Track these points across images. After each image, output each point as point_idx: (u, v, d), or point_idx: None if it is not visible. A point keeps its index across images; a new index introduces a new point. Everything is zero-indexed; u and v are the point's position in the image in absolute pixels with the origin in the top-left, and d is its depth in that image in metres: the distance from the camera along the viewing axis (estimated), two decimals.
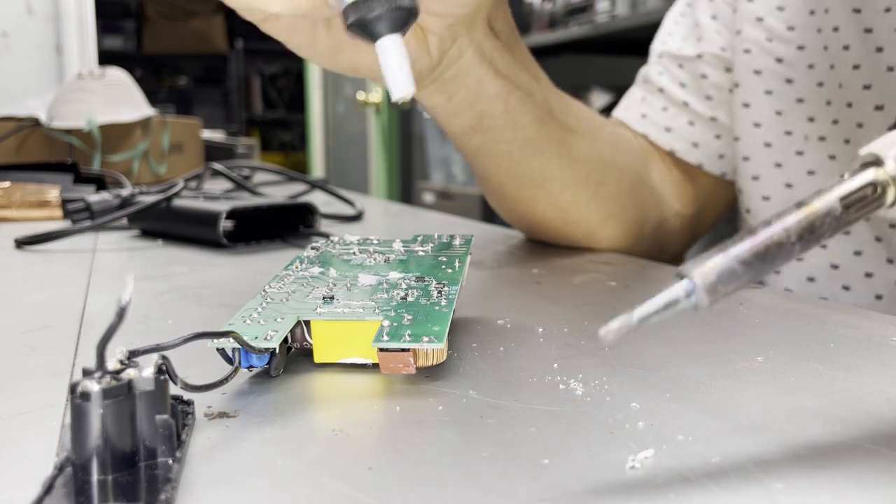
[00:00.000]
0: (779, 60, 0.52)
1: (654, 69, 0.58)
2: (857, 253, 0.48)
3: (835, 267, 0.49)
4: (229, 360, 0.24)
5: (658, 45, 0.59)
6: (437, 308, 0.27)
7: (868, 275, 0.48)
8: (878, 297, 0.48)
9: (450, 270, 0.31)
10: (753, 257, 0.17)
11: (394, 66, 0.26)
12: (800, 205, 0.18)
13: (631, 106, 0.58)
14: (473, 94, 0.42)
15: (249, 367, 0.24)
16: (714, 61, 0.55)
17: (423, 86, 0.40)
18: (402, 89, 0.26)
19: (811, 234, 0.17)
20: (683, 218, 0.56)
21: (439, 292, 0.28)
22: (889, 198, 0.18)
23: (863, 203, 0.18)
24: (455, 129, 0.45)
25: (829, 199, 0.18)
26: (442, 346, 0.24)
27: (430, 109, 0.43)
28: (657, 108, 0.56)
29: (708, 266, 0.17)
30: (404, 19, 0.27)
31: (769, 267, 0.17)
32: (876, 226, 0.47)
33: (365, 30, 0.27)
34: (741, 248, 0.17)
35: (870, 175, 0.18)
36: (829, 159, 0.49)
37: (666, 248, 0.56)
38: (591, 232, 0.49)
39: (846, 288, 0.49)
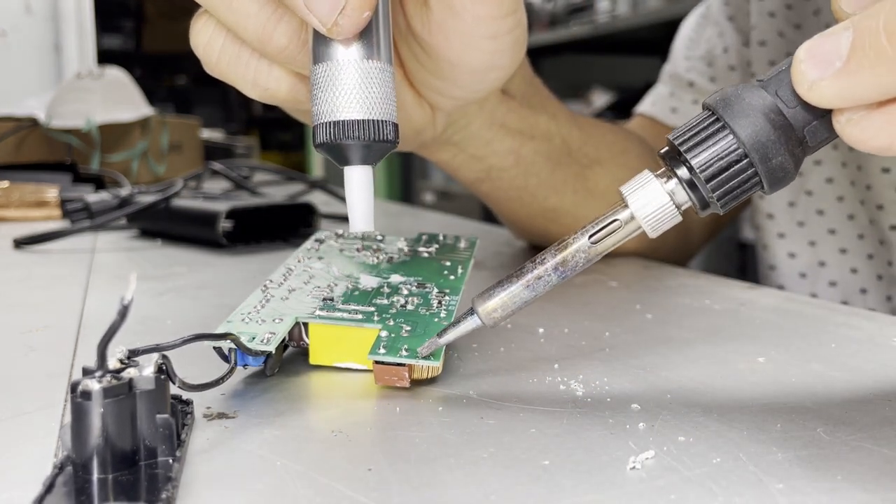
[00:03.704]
0: (789, 55, 0.52)
1: (680, 65, 0.58)
2: (870, 257, 0.49)
3: (854, 271, 0.50)
4: (226, 359, 0.24)
5: (682, 50, 0.59)
6: (436, 320, 0.26)
7: (879, 277, 0.49)
8: (889, 299, 0.48)
9: (452, 277, 0.30)
10: (521, 289, 0.23)
11: (358, 200, 0.24)
12: (559, 245, 0.23)
13: (658, 101, 0.58)
14: (482, 152, 0.40)
15: (245, 366, 0.24)
16: (736, 56, 0.55)
17: (426, 147, 0.39)
18: (361, 226, 0.24)
19: (565, 266, 0.23)
20: (705, 223, 0.56)
21: (439, 302, 0.28)
22: (626, 230, 0.23)
23: (609, 236, 0.23)
24: (462, 179, 0.43)
25: (581, 241, 0.23)
26: (438, 364, 0.24)
27: (434, 163, 0.42)
28: (687, 101, 0.56)
29: (489, 304, 0.23)
30: (380, 154, 0.25)
31: (534, 293, 0.23)
32: (878, 230, 0.48)
33: (333, 153, 0.24)
34: (513, 285, 0.23)
35: (614, 216, 0.23)
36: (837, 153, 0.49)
37: (688, 248, 0.56)
38: None
39: (864, 291, 0.50)
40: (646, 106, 0.58)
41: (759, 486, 0.18)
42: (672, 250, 0.53)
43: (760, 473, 0.19)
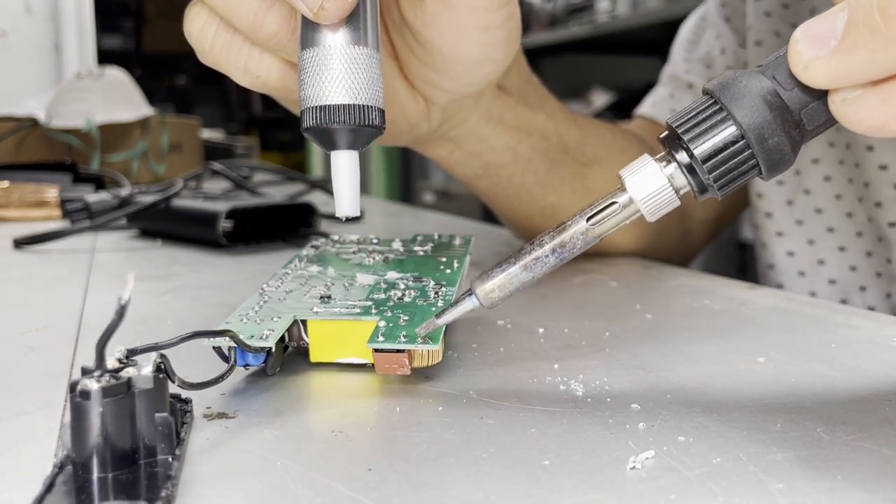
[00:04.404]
0: None
1: (680, 67, 0.58)
2: (869, 254, 0.49)
3: (853, 269, 0.50)
4: (225, 359, 0.24)
5: (681, 52, 0.59)
6: (433, 309, 0.26)
7: (878, 274, 0.49)
8: (888, 296, 0.48)
9: (448, 271, 0.31)
10: (519, 270, 0.23)
11: (344, 185, 0.25)
12: (558, 228, 0.23)
13: (658, 103, 0.58)
14: (478, 148, 0.40)
15: (245, 366, 0.24)
16: (734, 57, 0.56)
17: (422, 142, 0.39)
18: (347, 210, 0.25)
19: (563, 248, 0.23)
20: (707, 224, 0.56)
21: (436, 293, 0.28)
22: (624, 214, 0.23)
23: (608, 219, 0.22)
24: (459, 176, 0.43)
25: (579, 223, 0.23)
26: (437, 348, 0.24)
27: (432, 159, 0.42)
28: (687, 102, 0.56)
29: (487, 284, 0.23)
30: (367, 140, 0.25)
31: (532, 275, 0.23)
32: (877, 227, 0.48)
33: (320, 138, 0.25)
34: (511, 266, 0.23)
35: (613, 198, 0.22)
36: (838, 162, 0.50)
37: (689, 250, 0.56)
38: (609, 247, 0.49)
39: (863, 288, 0.49)
40: (646, 108, 0.59)
41: (759, 486, 0.18)
42: (672, 251, 0.53)
43: (760, 473, 0.19)
